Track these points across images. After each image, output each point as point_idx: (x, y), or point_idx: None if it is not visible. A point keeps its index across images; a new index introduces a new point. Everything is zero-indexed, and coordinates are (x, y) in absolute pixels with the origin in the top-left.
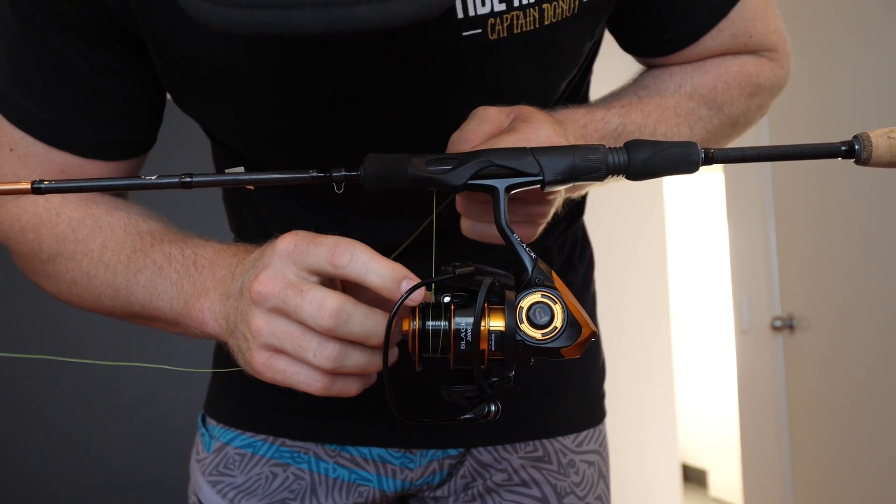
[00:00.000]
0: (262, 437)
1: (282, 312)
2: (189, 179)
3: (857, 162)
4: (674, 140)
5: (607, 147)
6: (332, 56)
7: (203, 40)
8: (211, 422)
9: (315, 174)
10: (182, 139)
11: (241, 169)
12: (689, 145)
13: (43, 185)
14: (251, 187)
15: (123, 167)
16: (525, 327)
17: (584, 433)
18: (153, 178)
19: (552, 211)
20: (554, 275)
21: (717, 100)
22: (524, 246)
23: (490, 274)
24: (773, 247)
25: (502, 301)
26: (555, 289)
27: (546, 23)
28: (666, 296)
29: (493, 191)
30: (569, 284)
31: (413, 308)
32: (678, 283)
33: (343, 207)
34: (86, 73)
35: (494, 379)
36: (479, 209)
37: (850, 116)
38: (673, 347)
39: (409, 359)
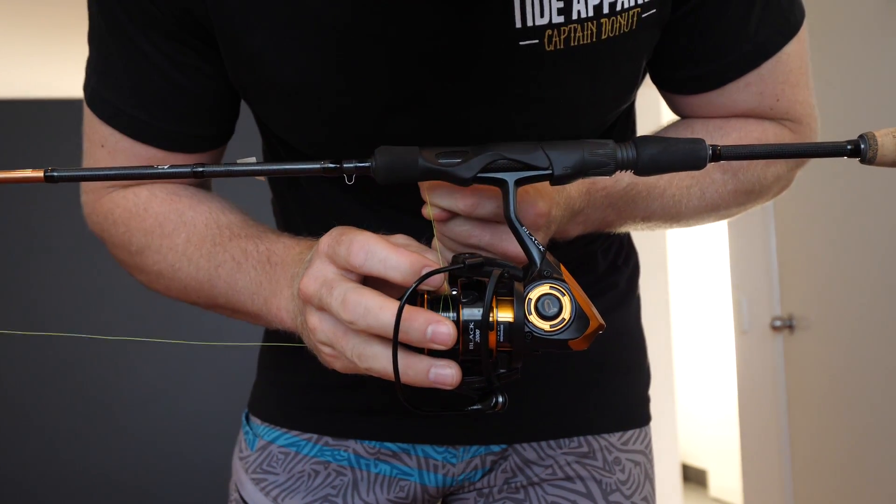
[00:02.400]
0: (306, 436)
1: (324, 310)
2: (201, 169)
3: (863, 161)
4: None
5: (616, 142)
6: (396, 58)
7: (270, 41)
8: (255, 420)
9: (326, 165)
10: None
11: (253, 159)
12: (696, 142)
13: (56, 174)
14: (262, 178)
15: (205, 158)
16: (533, 319)
17: (630, 432)
18: (165, 167)
19: (546, 238)
20: (562, 267)
21: (734, 165)
22: (533, 239)
23: (499, 265)
24: (773, 247)
25: (511, 293)
26: (563, 281)
27: (604, 37)
28: (666, 296)
29: (502, 184)
30: (613, 286)
31: (421, 300)
32: (678, 283)
33: (401, 209)
34: (167, 69)
35: (502, 370)
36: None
37: (849, 116)
38: (673, 347)
39: (419, 349)
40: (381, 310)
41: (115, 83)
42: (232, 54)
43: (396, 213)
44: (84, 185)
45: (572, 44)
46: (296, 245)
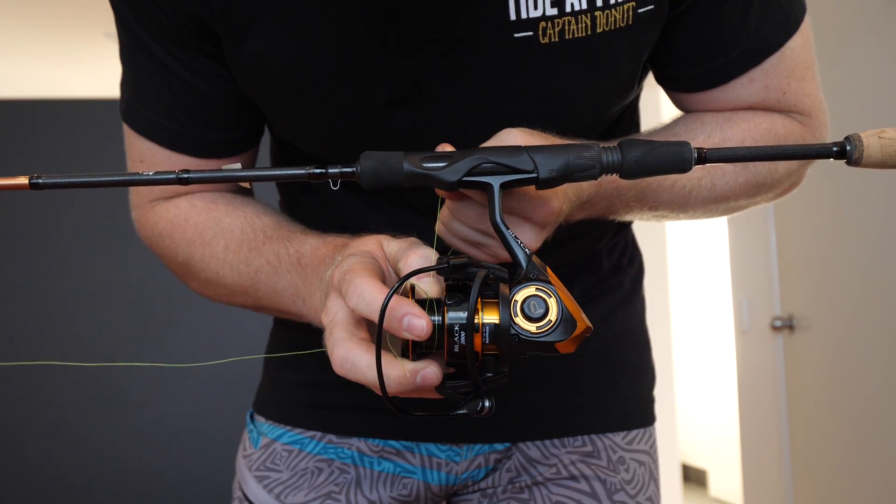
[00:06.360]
0: (309, 433)
1: None
2: (186, 175)
3: (849, 163)
4: (699, 192)
5: (601, 146)
6: (391, 51)
7: (274, 40)
8: (259, 419)
9: (312, 170)
10: None
11: (238, 165)
12: (681, 144)
13: (41, 181)
14: (248, 185)
15: (240, 160)
16: (519, 320)
17: (634, 432)
18: (150, 174)
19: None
20: (549, 270)
21: None
22: (518, 241)
23: (483, 266)
24: (773, 247)
25: (496, 295)
26: (549, 283)
27: (598, 31)
28: (666, 296)
29: (487, 187)
30: (618, 287)
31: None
32: (678, 283)
33: (409, 207)
34: (188, 78)
35: (489, 374)
36: (468, 212)
37: (850, 116)
38: (673, 347)
39: (405, 353)
40: (368, 368)
41: (145, 97)
42: (236, 57)
43: (404, 212)
44: (131, 200)
45: (567, 36)
46: (322, 246)
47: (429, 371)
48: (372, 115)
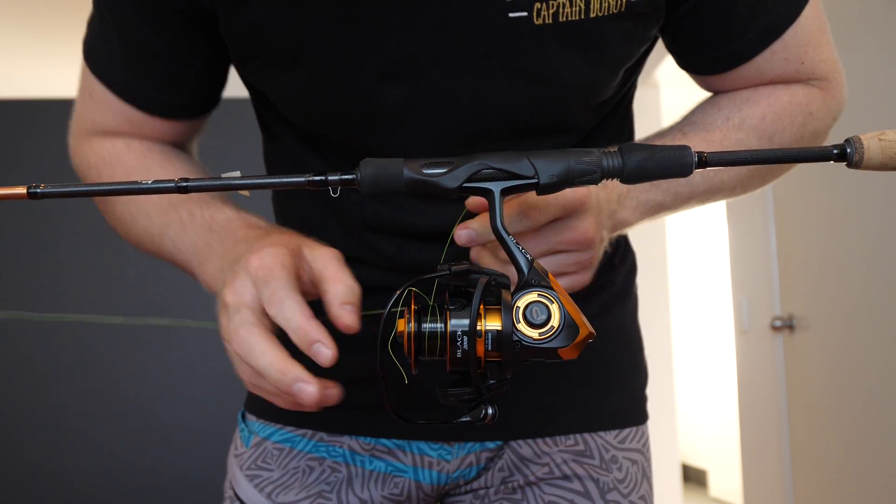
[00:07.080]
0: (301, 432)
1: None
2: (185, 184)
3: (849, 165)
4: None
5: (602, 150)
6: (387, 25)
7: (269, 10)
8: (251, 418)
9: (312, 178)
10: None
11: (238, 173)
12: (682, 149)
13: (39, 191)
14: (246, 193)
15: (183, 126)
16: (522, 327)
17: (626, 430)
18: (149, 182)
19: (599, 255)
20: (550, 276)
21: (767, 130)
22: (520, 247)
23: (485, 273)
24: (773, 247)
25: (499, 301)
26: (551, 289)
27: (592, 15)
28: (666, 296)
29: (488, 194)
30: (610, 284)
31: (408, 310)
32: (678, 283)
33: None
34: (150, 37)
35: (492, 381)
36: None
37: (849, 116)
38: (673, 347)
39: (406, 361)
40: (262, 354)
41: (107, 44)
42: (231, 25)
43: (405, 198)
44: (71, 126)
45: (560, 19)
46: (236, 219)
47: (304, 386)
48: (364, 87)
